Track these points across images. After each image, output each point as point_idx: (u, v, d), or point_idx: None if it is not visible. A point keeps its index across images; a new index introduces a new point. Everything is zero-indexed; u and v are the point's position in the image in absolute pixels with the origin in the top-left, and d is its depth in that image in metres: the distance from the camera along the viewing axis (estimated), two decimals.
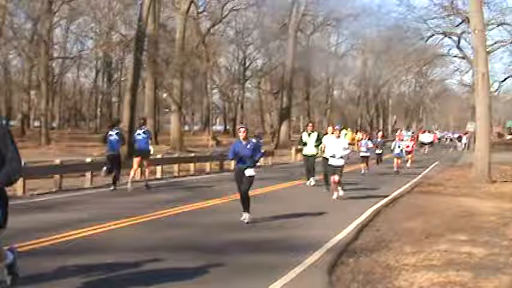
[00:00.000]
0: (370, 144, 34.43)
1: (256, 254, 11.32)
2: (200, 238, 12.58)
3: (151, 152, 23.90)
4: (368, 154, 33.36)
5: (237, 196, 15.14)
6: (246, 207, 14.74)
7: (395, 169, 33.73)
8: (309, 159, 25.34)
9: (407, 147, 37.95)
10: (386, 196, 21.63)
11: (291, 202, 19.53)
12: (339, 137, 20.71)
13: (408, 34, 67.63)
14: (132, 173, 22.96)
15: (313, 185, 24.66)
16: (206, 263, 10.29)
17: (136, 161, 23.15)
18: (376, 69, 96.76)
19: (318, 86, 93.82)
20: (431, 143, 71.22)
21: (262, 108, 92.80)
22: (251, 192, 15.07)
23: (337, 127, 21.42)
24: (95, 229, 13.15)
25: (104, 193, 21.48)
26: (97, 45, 71.41)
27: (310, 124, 26.43)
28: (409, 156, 38.56)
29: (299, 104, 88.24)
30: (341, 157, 19.95)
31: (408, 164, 38.06)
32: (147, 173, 24.74)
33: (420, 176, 32.80)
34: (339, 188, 20.20)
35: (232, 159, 15.63)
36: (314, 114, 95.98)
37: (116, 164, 22.22)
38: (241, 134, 14.85)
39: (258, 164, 38.57)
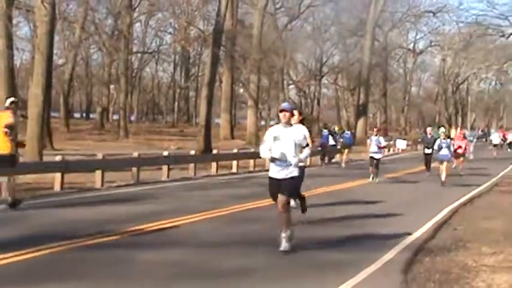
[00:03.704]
0: (383, 142, 27.44)
1: (331, 251, 11.21)
2: (274, 234, 12.53)
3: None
4: (379, 156, 26.51)
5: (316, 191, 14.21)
6: None
7: (442, 178, 25.38)
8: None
9: (459, 147, 30.25)
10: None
11: (360, 199, 19.31)
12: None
13: (489, 31, 66.39)
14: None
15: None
16: (280, 259, 10.28)
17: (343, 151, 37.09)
18: (455, 66, 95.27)
19: (395, 83, 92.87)
20: (504, 144, 62.93)
21: (339, 104, 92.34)
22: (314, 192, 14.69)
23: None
24: (169, 222, 13.22)
25: (179, 187, 21.69)
26: (175, 40, 72.29)
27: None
28: (460, 159, 30.84)
29: (376, 101, 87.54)
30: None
31: (460, 170, 30.21)
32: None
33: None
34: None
35: None
36: (391, 111, 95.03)
37: (326, 150, 36.36)
38: None
39: (334, 160, 38.80)
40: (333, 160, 38.32)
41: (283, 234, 10.84)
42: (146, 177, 23.70)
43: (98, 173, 20.93)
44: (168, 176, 24.58)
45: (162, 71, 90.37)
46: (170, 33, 77.68)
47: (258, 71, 56.69)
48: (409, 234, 12.93)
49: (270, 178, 11.17)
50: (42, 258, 9.75)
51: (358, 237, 12.59)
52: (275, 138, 11.01)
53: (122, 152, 31.75)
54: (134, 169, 23.07)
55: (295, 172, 10.97)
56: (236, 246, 11.15)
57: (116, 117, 69.40)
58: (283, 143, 10.90)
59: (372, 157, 26.26)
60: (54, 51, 38.06)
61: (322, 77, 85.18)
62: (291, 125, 11.26)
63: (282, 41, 65.33)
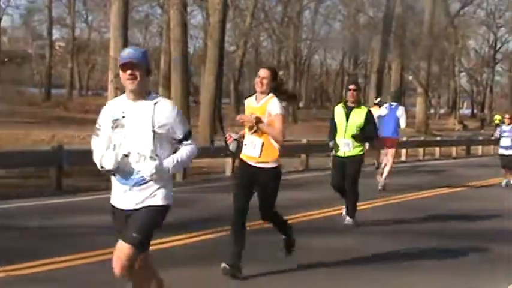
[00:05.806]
0: None
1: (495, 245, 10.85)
2: (437, 225, 12.30)
3: None
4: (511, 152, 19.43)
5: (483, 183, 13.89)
6: None
7: None
8: None
9: None
10: None
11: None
12: None
13: None
14: None
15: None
16: (444, 253, 10.06)
17: None
18: None
19: None
20: None
21: None
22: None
23: None
24: (335, 210, 13.17)
25: None
26: (344, 27, 72.03)
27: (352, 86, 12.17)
28: None
29: None
30: None
31: None
32: None
33: None
34: None
35: None
36: None
37: None
38: None
39: None
40: None
41: None
42: (315, 163, 23.79)
43: None
44: None
45: (330, 58, 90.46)
46: (339, 20, 77.61)
47: (429, 58, 55.58)
48: None
49: (113, 208, 5.60)
50: (208, 241, 10.13)
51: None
52: (115, 124, 5.48)
53: (290, 138, 32.03)
54: (303, 155, 23.28)
55: (160, 196, 5.46)
56: (400, 235, 11.02)
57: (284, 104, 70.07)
58: (129, 134, 5.44)
59: (502, 155, 19.73)
60: (226, 39, 38.95)
61: (496, 64, 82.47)
62: (145, 96, 5.45)
63: (454, 27, 63.68)
